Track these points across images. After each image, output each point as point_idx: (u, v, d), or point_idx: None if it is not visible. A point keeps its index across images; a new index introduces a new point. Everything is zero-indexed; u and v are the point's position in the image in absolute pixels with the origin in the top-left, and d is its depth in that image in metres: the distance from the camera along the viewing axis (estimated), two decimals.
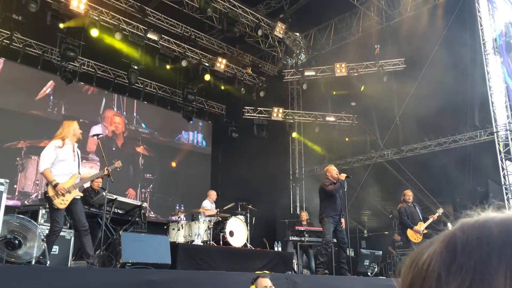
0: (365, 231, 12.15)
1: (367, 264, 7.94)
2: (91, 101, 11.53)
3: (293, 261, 7.85)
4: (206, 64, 11.63)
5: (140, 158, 12.22)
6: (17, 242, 4.67)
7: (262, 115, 12.25)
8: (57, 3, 9.00)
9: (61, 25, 9.22)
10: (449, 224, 9.65)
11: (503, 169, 8.88)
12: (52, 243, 4.93)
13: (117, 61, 11.10)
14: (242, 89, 12.33)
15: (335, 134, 11.93)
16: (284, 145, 13.12)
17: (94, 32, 9.57)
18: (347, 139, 11.74)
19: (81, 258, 5.37)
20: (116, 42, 10.10)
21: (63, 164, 4.96)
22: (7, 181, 4.36)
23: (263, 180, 11.49)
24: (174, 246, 5.76)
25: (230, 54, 12.62)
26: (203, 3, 10.03)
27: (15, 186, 9.57)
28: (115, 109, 11.97)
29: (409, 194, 7.73)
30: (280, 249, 8.11)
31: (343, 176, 6.98)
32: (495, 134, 9.05)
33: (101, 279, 3.92)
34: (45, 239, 4.75)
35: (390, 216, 10.32)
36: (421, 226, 7.45)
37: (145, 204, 7.04)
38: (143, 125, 12.43)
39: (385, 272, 9.55)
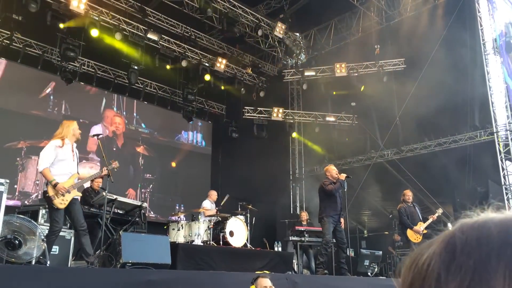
0: (365, 231, 12.16)
1: (367, 264, 7.94)
2: (91, 101, 11.53)
3: (293, 261, 7.85)
4: (206, 64, 11.63)
5: (140, 158, 12.23)
6: (17, 242, 4.67)
7: (262, 115, 12.26)
8: (57, 3, 9.01)
9: (61, 25, 9.23)
10: (449, 224, 9.65)
11: (503, 169, 8.89)
12: (52, 243, 4.93)
13: (117, 61, 11.11)
14: (242, 89, 12.34)
15: (335, 134, 11.93)
16: (284, 145, 13.12)
17: (94, 32, 9.58)
18: (347, 139, 11.74)
19: (81, 258, 5.37)
20: (116, 42, 10.11)
21: (63, 164, 4.96)
22: (7, 181, 4.36)
23: (263, 180, 11.49)
24: (174, 246, 5.76)
25: (230, 54, 12.62)
26: (203, 3, 10.03)
27: (15, 186, 9.58)
28: (115, 109, 11.97)
29: (408, 194, 7.73)
30: (280, 249, 8.11)
31: (343, 176, 6.98)
32: (495, 134, 9.05)
33: (101, 279, 3.92)
34: (45, 239, 4.75)
35: (390, 216, 10.33)
36: (421, 226, 7.45)
37: (145, 204, 7.04)
38: (143, 125, 12.43)
39: (385, 272, 9.55)
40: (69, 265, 5.63)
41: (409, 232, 7.46)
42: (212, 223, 7.06)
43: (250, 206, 8.31)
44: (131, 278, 4.06)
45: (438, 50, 9.47)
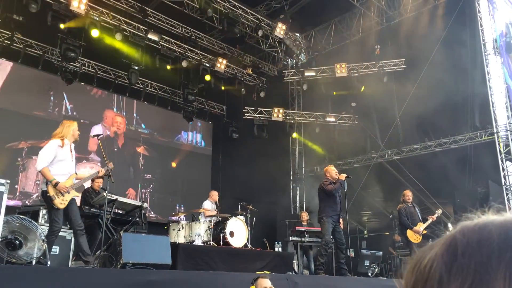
0: (366, 232, 12.15)
1: (368, 264, 7.93)
2: (91, 101, 11.53)
3: (294, 261, 7.85)
4: (207, 64, 11.64)
5: (141, 158, 12.23)
6: (17, 242, 4.67)
7: (263, 116, 12.27)
8: (57, 3, 9.01)
9: (62, 26, 9.23)
10: (449, 225, 9.66)
11: (503, 170, 8.88)
12: (52, 243, 4.93)
13: (117, 62, 11.11)
14: (243, 89, 12.34)
15: (335, 134, 11.93)
16: (284, 146, 13.12)
17: (95, 33, 9.58)
18: (347, 140, 11.74)
19: (81, 259, 5.37)
20: (116, 42, 10.11)
21: (62, 164, 4.95)
22: (8, 181, 4.37)
23: (264, 181, 11.50)
24: (175, 246, 5.76)
25: (230, 55, 12.63)
26: (203, 4, 10.04)
27: (16, 186, 9.59)
28: (115, 109, 11.98)
29: (408, 195, 7.73)
30: (280, 249, 8.11)
31: (343, 176, 6.98)
32: (495, 134, 9.05)
33: (101, 279, 3.92)
34: (45, 240, 4.75)
35: (391, 216, 10.33)
36: (421, 227, 7.45)
37: (145, 205, 7.04)
38: (142, 125, 12.44)
39: (385, 272, 9.55)
40: (69, 266, 5.63)
41: (409, 233, 7.46)
42: (212, 224, 7.07)
43: (250, 207, 8.31)
44: (132, 278, 4.06)
45: (438, 50, 9.47)
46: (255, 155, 11.42)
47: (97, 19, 9.71)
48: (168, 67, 11.14)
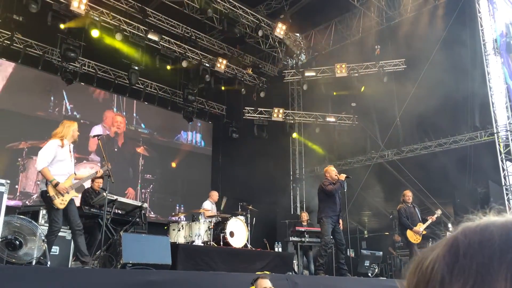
0: (366, 232, 12.15)
1: (368, 264, 7.94)
2: (91, 102, 11.54)
3: (294, 261, 7.84)
4: (207, 64, 11.64)
5: (140, 158, 12.24)
6: (17, 243, 4.67)
7: (263, 116, 12.27)
8: (57, 3, 9.02)
9: (62, 26, 9.24)
10: (449, 225, 9.67)
11: (503, 170, 8.88)
12: (52, 243, 4.92)
13: (117, 62, 11.12)
14: (243, 89, 12.35)
15: (335, 134, 11.93)
16: (284, 146, 13.12)
17: (95, 33, 9.58)
18: (347, 140, 11.74)
19: (79, 259, 5.37)
20: (116, 42, 10.12)
21: (62, 164, 4.95)
22: (8, 181, 4.36)
23: (264, 181, 11.50)
24: (175, 246, 5.76)
25: (230, 55, 12.63)
26: (203, 4, 10.04)
27: (16, 186, 9.61)
28: (114, 109, 11.98)
29: (408, 195, 7.73)
30: (280, 249, 8.11)
31: (343, 176, 6.97)
32: (495, 134, 9.05)
33: (101, 279, 3.92)
34: (45, 240, 4.75)
35: (391, 216, 10.33)
36: (421, 227, 7.45)
37: (145, 205, 7.04)
38: (142, 125, 12.44)
39: (385, 272, 9.55)
40: (69, 266, 5.63)
41: (409, 233, 7.46)
42: (212, 224, 7.07)
43: (250, 207, 8.31)
44: (132, 278, 4.06)
45: (438, 50, 9.48)
46: (255, 155, 11.42)
47: (97, 19, 9.71)
48: (168, 67, 11.15)
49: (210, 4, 10.11)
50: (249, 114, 12.21)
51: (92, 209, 6.27)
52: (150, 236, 5.92)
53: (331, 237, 6.82)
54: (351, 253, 8.20)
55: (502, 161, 8.92)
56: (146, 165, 12.26)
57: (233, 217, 7.36)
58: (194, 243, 6.74)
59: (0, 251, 4.50)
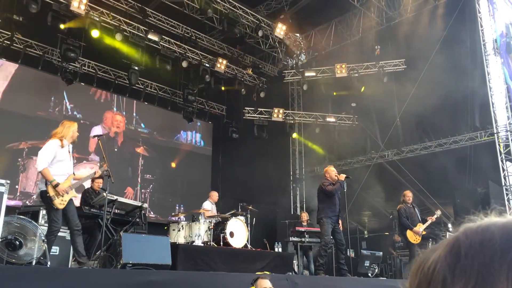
0: (366, 232, 12.15)
1: (368, 265, 7.94)
2: (91, 102, 11.54)
3: (294, 261, 7.84)
4: (207, 64, 11.64)
5: (140, 158, 12.24)
6: (17, 243, 4.67)
7: (263, 116, 12.27)
8: (57, 3, 9.02)
9: (62, 26, 9.24)
10: (449, 225, 9.67)
11: (503, 170, 8.88)
12: (52, 243, 4.92)
13: (117, 62, 11.12)
14: (243, 89, 12.35)
15: (335, 134, 11.93)
16: (284, 146, 13.12)
17: (95, 33, 9.58)
18: (347, 140, 11.74)
19: (75, 259, 5.36)
20: (116, 43, 10.12)
21: (61, 165, 4.96)
22: (8, 182, 4.37)
23: (264, 181, 11.50)
24: (175, 246, 5.76)
25: (230, 55, 12.63)
26: (203, 4, 10.04)
27: (16, 186, 9.61)
28: (114, 109, 11.98)
29: (409, 195, 7.73)
30: (280, 250, 8.11)
31: (342, 176, 6.96)
32: (495, 135, 9.05)
33: (101, 280, 3.92)
34: (45, 240, 4.75)
35: (391, 217, 10.32)
36: (420, 228, 7.45)
37: (145, 205, 7.04)
38: (142, 125, 12.44)
39: (385, 273, 9.55)
40: (69, 266, 5.63)
41: (408, 233, 7.46)
42: (212, 224, 7.07)
43: (250, 207, 8.31)
44: (132, 278, 4.06)
45: (438, 50, 9.48)
46: (255, 156, 11.42)
47: (97, 19, 9.71)
48: (168, 67, 11.14)
49: (210, 4, 10.11)
50: (249, 114, 12.21)
51: (92, 209, 6.27)
52: (150, 236, 5.92)
53: (331, 237, 6.82)
54: (351, 253, 8.20)
55: (502, 161, 8.92)
56: (146, 165, 12.26)
57: (233, 217, 7.36)
58: (194, 243, 6.74)
59: (0, 251, 4.51)
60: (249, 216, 8.12)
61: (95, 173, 5.52)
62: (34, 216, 5.77)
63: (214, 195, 8.73)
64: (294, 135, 13.22)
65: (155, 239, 5.56)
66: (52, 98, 10.78)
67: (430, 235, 7.86)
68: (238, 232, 7.19)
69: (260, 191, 11.14)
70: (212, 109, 13.92)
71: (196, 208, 8.42)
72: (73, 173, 5.14)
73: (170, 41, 11.30)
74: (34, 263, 4.70)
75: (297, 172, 13.31)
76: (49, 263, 4.72)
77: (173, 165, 12.92)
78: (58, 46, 9.98)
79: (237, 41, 12.17)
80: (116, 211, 6.40)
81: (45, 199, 4.83)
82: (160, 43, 10.81)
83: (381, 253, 8.44)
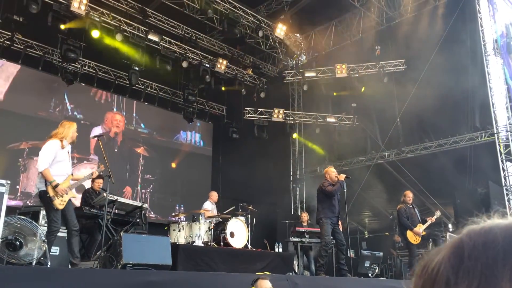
0: (366, 232, 12.15)
1: (368, 265, 7.94)
2: (92, 102, 11.54)
3: (294, 262, 7.84)
4: (207, 65, 11.64)
5: (140, 159, 12.24)
6: (18, 243, 4.67)
7: (263, 116, 12.27)
8: (58, 4, 9.02)
9: (62, 26, 9.24)
10: (449, 225, 9.67)
11: (503, 170, 8.88)
12: (51, 243, 4.93)
13: (118, 62, 11.12)
14: (243, 90, 12.35)
15: (335, 135, 11.94)
16: (284, 146, 13.13)
17: (95, 33, 9.59)
18: (347, 140, 11.74)
19: (82, 259, 5.37)
20: (117, 43, 10.12)
21: (61, 165, 4.96)
22: (8, 182, 4.36)
23: (264, 181, 11.50)
24: (175, 247, 5.76)
25: (230, 55, 12.63)
26: (203, 4, 10.04)
27: (17, 186, 9.61)
28: (114, 109, 11.99)
29: (409, 195, 7.72)
30: (280, 250, 8.11)
31: (342, 176, 6.96)
32: (495, 135, 9.05)
33: (101, 280, 3.92)
34: (46, 240, 4.75)
35: (391, 217, 10.33)
36: (420, 228, 7.45)
37: (145, 205, 7.04)
38: (142, 125, 12.45)
39: (386, 273, 9.54)
40: (69, 266, 5.63)
41: (408, 233, 7.45)
42: (212, 224, 7.07)
43: (250, 207, 8.31)
44: (132, 279, 4.06)
45: (439, 51, 9.48)
46: (255, 156, 11.42)
47: (98, 19, 9.71)
48: (169, 67, 11.15)
49: (210, 4, 10.12)
50: (249, 115, 12.21)
51: (92, 210, 6.28)
52: (150, 237, 5.92)
53: (332, 237, 6.82)
54: (351, 253, 8.20)
55: (502, 161, 8.92)
56: (146, 165, 12.26)
57: (234, 217, 7.36)
58: (194, 244, 6.74)
59: (1, 252, 4.51)
60: (249, 216, 8.12)
61: (92, 173, 5.52)
62: (35, 216, 5.78)
63: (214, 195, 8.74)
64: (294, 135, 13.23)
65: (156, 239, 5.56)
66: (53, 99, 10.78)
67: (430, 235, 7.86)
68: (239, 233, 7.19)
69: (260, 192, 11.14)
70: (212, 109, 13.93)
71: (196, 208, 8.42)
72: (71, 174, 5.14)
73: (170, 42, 11.30)
74: (34, 263, 4.70)
75: (297, 173, 13.31)
76: (49, 263, 4.72)
77: (173, 165, 12.92)
78: (59, 46, 9.98)
79: (237, 41, 12.18)
80: (116, 211, 6.40)
81: (44, 199, 4.84)
82: (160, 43, 10.81)
83: (381, 253, 8.44)
